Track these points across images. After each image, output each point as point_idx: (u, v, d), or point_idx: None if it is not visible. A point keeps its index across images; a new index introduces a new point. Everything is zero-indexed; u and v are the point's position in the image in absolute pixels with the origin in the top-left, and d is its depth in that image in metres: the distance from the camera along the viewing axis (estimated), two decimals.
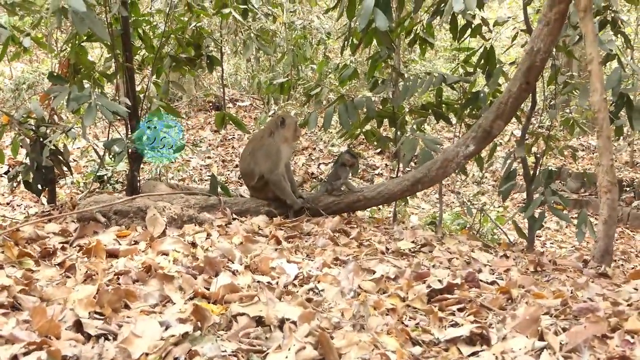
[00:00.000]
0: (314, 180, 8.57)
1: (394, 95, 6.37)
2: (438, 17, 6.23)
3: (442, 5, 5.82)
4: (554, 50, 5.88)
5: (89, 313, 2.77)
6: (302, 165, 9.74)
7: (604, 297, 3.53)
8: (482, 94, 6.17)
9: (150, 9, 7.25)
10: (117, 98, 6.32)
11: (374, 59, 6.39)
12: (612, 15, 5.92)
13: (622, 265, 7.07)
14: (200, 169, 9.41)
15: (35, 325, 2.55)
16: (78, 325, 2.65)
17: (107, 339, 2.59)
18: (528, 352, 2.65)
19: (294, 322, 2.83)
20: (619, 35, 6.02)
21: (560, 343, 2.73)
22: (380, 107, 6.35)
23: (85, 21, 4.86)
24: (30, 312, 2.65)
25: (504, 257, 4.63)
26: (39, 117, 5.68)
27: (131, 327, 2.66)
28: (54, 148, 5.68)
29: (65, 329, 2.62)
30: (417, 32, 6.50)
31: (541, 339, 2.78)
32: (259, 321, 2.84)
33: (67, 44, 6.43)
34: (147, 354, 2.50)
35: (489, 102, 6.04)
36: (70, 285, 3.10)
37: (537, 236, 5.82)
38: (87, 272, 3.30)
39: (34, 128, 5.67)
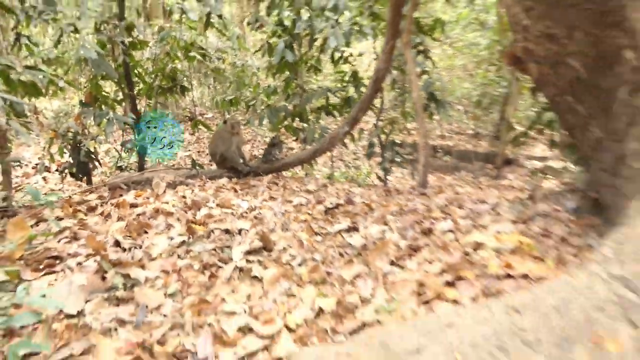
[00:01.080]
0: (256, 157, 8.59)
1: (300, 102, 6.50)
2: (323, 53, 6.43)
3: (325, 45, 6.01)
4: (392, 68, 6.16)
5: (123, 236, 2.84)
6: (249, 150, 9.73)
7: (422, 204, 3.84)
8: (352, 99, 6.39)
9: (143, 56, 7.10)
10: (125, 114, 6.24)
11: (287, 81, 6.51)
12: (423, 47, 6.24)
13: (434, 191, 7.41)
14: (184, 158, 9.27)
15: (90, 245, 2.63)
16: (117, 244, 2.74)
17: (135, 248, 2.69)
18: (378, 232, 2.92)
19: (247, 230, 3.01)
20: (427, 59, 6.33)
21: (397, 227, 3.02)
22: (293, 110, 6.47)
23: (100, 66, 4.83)
24: (85, 240, 2.71)
25: (369, 189, 4.86)
26: (75, 131, 5.55)
27: (150, 241, 2.77)
28: (87, 150, 5.58)
29: (109, 247, 2.70)
30: (311, 63, 6.64)
31: (386, 224, 3.06)
32: (227, 231, 3.00)
33: (88, 82, 6.26)
34: (161, 254, 2.63)
35: (357, 102, 6.25)
36: (109, 224, 3.14)
37: (388, 181, 6.12)
38: (118, 216, 3.34)
39: (72, 138, 5.56)
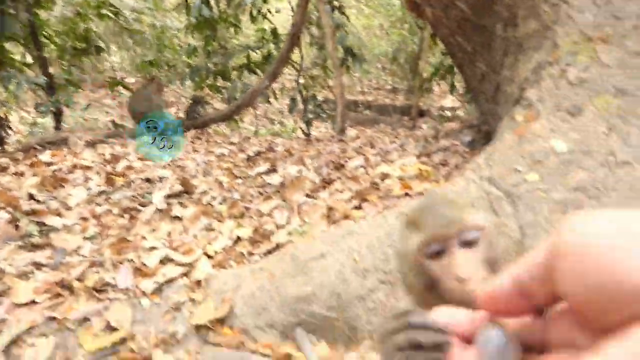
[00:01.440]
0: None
1: (222, 60, 6.33)
2: (241, 11, 6.25)
3: (242, 1, 5.83)
4: (310, 25, 6.12)
5: (38, 190, 2.69)
6: (174, 112, 9.37)
7: (339, 148, 3.96)
8: (272, 56, 6.31)
9: (51, 17, 6.51)
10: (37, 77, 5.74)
11: (206, 39, 6.29)
12: (338, 3, 6.23)
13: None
14: (107, 123, 8.75)
15: (1, 200, 2.47)
16: (31, 197, 2.60)
17: (51, 199, 2.58)
18: (296, 171, 3.00)
19: (168, 178, 2.97)
20: (342, 15, 6.32)
21: (313, 166, 3.11)
22: (215, 69, 6.29)
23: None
24: None
25: (291, 140, 4.91)
26: None
27: (67, 192, 2.66)
28: None
29: (23, 201, 2.55)
30: (230, 21, 6.43)
31: (303, 165, 3.14)
32: (148, 180, 2.94)
33: None
34: (78, 203, 2.54)
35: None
36: (22, 181, 2.96)
37: (311, 134, 6.16)
38: (33, 173, 3.15)
39: None
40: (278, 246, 1.96)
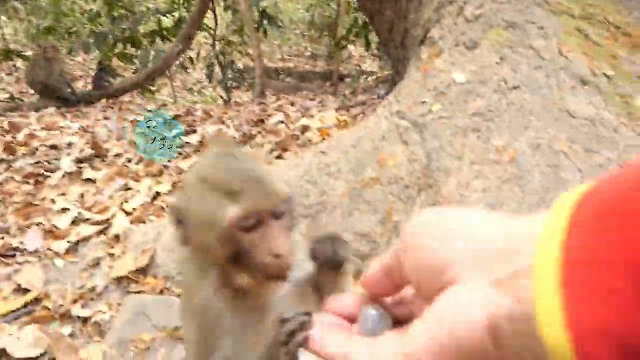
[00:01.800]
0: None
1: (130, 26, 5.93)
2: None
3: None
4: None
5: None
6: (82, 86, 8.72)
7: (260, 109, 3.92)
8: (184, 20, 6.02)
9: None
10: None
11: (109, 3, 5.85)
12: None
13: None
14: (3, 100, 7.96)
15: None
16: None
17: None
18: (216, 130, 2.94)
19: (76, 144, 2.78)
20: None
21: (234, 125, 3.07)
22: (123, 35, 5.88)
23: None
24: None
25: (211, 106, 4.78)
26: None
27: None
28: None
29: None
30: None
31: (223, 124, 3.08)
32: (54, 147, 2.74)
33: None
34: None
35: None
36: None
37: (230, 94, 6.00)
38: None
39: None
40: None
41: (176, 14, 6.24)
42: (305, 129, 2.74)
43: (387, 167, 1.56)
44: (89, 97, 4.81)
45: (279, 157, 2.27)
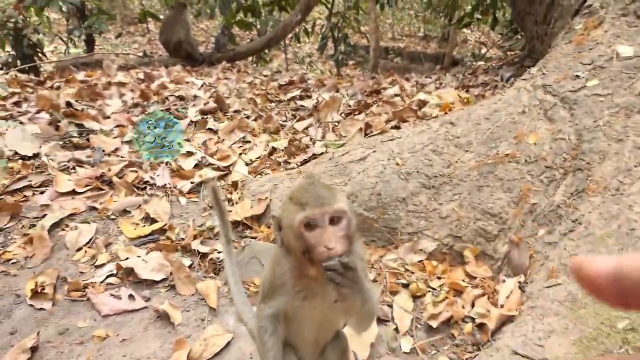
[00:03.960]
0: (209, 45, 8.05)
1: None
2: None
3: None
4: None
5: (76, 100, 2.69)
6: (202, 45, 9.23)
7: (372, 81, 3.83)
8: None
9: None
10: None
11: None
12: None
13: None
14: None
15: (40, 104, 2.48)
16: (69, 105, 2.59)
17: (89, 109, 2.57)
18: (330, 96, 2.91)
19: (201, 97, 2.92)
20: None
21: (347, 93, 3.02)
22: (245, 4, 6.06)
23: None
24: (36, 99, 2.54)
25: (322, 76, 4.77)
26: (14, 20, 5.04)
27: (103, 102, 2.65)
28: (30, 42, 5.13)
29: (61, 109, 2.56)
30: None
31: (337, 91, 3.05)
32: (181, 98, 2.90)
33: None
34: (114, 112, 2.53)
35: None
36: (59, 92, 2.96)
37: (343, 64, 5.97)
38: (68, 89, 3.14)
39: (12, 28, 5.05)
40: (315, 156, 1.92)
41: None
42: (422, 103, 2.60)
43: (525, 143, 1.40)
44: (210, 59, 5.04)
45: (395, 127, 2.17)
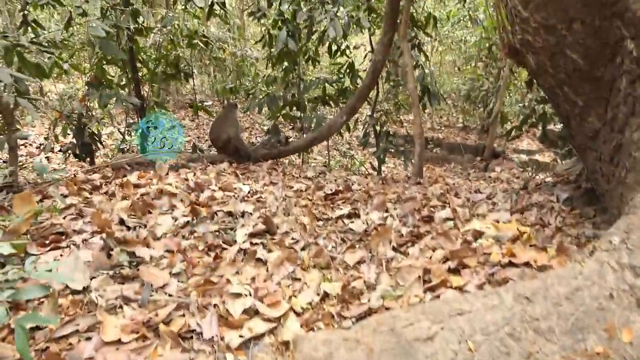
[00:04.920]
0: (253, 144, 8.42)
1: (298, 91, 6.37)
2: (321, 45, 6.29)
3: (323, 36, 5.86)
4: (387, 60, 6.04)
5: (128, 215, 2.73)
6: (246, 138, 9.59)
7: (418, 192, 3.76)
8: (348, 89, 6.28)
9: (147, 43, 6.90)
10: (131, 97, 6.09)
11: (286, 70, 6.36)
12: (417, 41, 6.12)
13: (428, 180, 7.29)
14: (185, 144, 9.07)
15: (95, 222, 2.51)
16: (122, 222, 2.62)
17: (140, 227, 2.58)
18: (380, 218, 2.83)
19: (250, 213, 2.90)
20: (421, 53, 6.22)
21: (397, 213, 2.93)
22: (291, 99, 6.33)
23: (107, 47, 4.65)
24: (91, 217, 2.58)
25: (366, 177, 4.76)
26: (79, 112, 5.41)
27: (154, 220, 2.66)
28: (91, 131, 5.47)
29: (114, 224, 2.58)
30: (309, 54, 6.49)
31: (386, 212, 2.97)
32: (230, 214, 2.89)
33: (93, 65, 6.07)
34: (165, 234, 2.52)
35: (352, 94, 6.15)
36: (113, 203, 3.01)
37: (382, 171, 6.03)
38: (122, 195, 3.21)
39: (76, 120, 5.42)
40: (371, 310, 1.79)
41: (340, 83, 6.53)
42: (478, 233, 2.47)
43: (618, 340, 1.24)
44: (256, 155, 5.15)
45: (454, 271, 2.03)
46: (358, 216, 2.94)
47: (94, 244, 2.25)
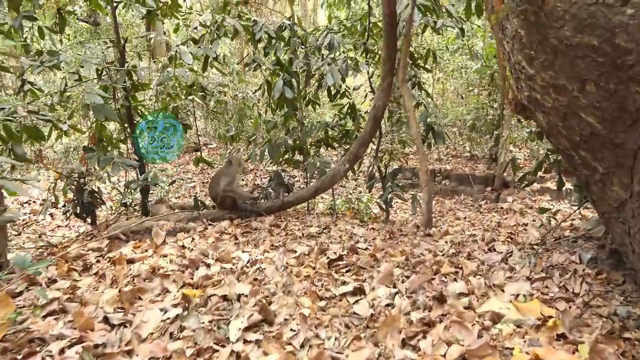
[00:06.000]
0: (259, 188, 8.24)
1: (300, 136, 6.22)
2: (320, 88, 6.16)
3: (322, 80, 5.73)
4: (390, 102, 5.87)
5: (114, 309, 2.51)
6: (251, 179, 9.42)
7: (429, 251, 3.50)
8: (350, 132, 6.12)
9: (144, 97, 6.84)
10: (128, 154, 5.99)
11: (286, 116, 6.22)
12: (417, 80, 5.96)
13: (438, 220, 7.03)
14: (189, 189, 8.93)
15: (77, 324, 2.30)
16: (105, 320, 2.40)
17: (125, 326, 2.35)
18: (387, 296, 2.58)
19: (246, 296, 2.67)
20: (422, 91, 6.05)
21: (406, 288, 2.68)
22: (293, 144, 6.16)
23: (102, 111, 4.54)
24: (73, 316, 2.37)
25: (372, 229, 4.52)
26: (79, 172, 5.32)
27: (141, 316, 2.43)
28: (91, 190, 5.37)
29: (97, 323, 2.36)
30: (309, 97, 6.35)
31: (394, 287, 2.71)
32: (225, 298, 2.65)
33: (93, 125, 5.99)
34: (152, 334, 2.29)
35: (354, 135, 5.98)
36: (101, 290, 2.80)
37: (390, 208, 5.77)
38: (112, 277, 3.01)
39: (76, 179, 5.33)
40: None
41: (342, 126, 6.36)
42: (497, 317, 2.20)
43: None
44: (258, 209, 4.95)
45: None
46: (363, 292, 2.68)
47: (70, 359, 2.02)
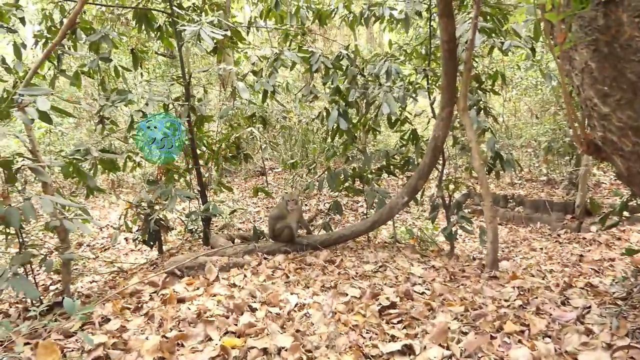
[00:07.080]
0: (322, 213, 8.15)
1: (360, 164, 6.07)
2: (379, 118, 5.98)
3: (378, 110, 5.55)
4: (453, 128, 5.55)
5: (153, 358, 2.47)
6: (314, 205, 9.35)
7: (493, 299, 3.14)
8: (412, 159, 5.85)
9: (208, 129, 7.06)
10: (191, 185, 6.19)
11: (345, 144, 6.10)
12: (484, 105, 5.58)
13: (511, 250, 6.45)
14: (254, 214, 9.04)
15: None
16: None
17: None
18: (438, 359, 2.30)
19: (287, 350, 2.51)
20: (489, 116, 5.66)
21: (460, 350, 2.38)
22: (352, 172, 6.01)
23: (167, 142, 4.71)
24: None
25: (432, 268, 4.20)
26: (147, 202, 5.58)
27: None
28: (157, 219, 5.61)
29: None
30: (369, 125, 6.19)
31: (447, 348, 2.42)
32: (265, 351, 2.53)
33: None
34: None
35: (417, 163, 5.70)
36: (147, 334, 2.79)
37: (455, 240, 5.39)
38: (160, 319, 3.00)
39: (146, 208, 5.62)
40: None
41: (403, 153, 6.10)
42: None
43: None
44: (314, 243, 4.83)
45: None
46: (413, 352, 2.42)
47: None
